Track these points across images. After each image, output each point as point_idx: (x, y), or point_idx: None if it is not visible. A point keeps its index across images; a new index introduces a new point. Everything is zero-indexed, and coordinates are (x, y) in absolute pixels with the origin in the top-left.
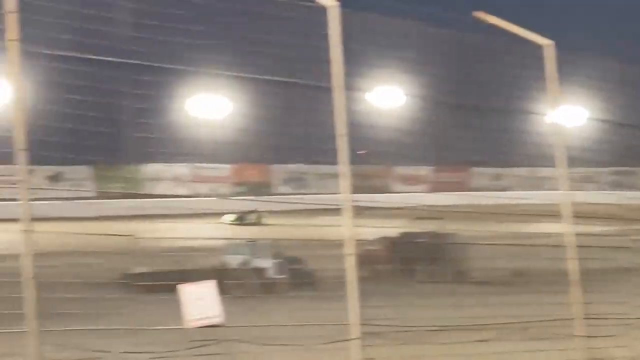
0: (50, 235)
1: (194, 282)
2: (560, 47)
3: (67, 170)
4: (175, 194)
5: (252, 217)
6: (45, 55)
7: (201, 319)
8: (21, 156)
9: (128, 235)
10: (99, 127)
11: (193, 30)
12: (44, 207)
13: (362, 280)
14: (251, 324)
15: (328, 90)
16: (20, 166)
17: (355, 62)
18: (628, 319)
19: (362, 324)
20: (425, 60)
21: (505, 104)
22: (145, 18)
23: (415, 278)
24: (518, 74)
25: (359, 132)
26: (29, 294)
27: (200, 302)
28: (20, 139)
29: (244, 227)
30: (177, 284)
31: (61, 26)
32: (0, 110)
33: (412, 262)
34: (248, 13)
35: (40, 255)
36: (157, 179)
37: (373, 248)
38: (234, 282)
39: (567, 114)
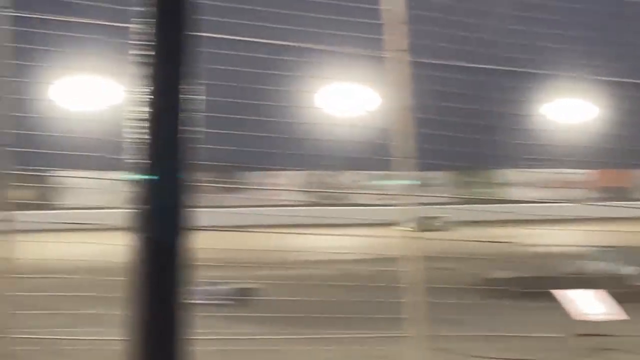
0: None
1: (576, 289)
2: None
3: (427, 176)
4: (535, 199)
5: (435, 224)
6: (417, 62)
7: (596, 314)
8: (409, 164)
9: (505, 242)
10: (463, 132)
11: (559, 34)
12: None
13: None
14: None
15: None
16: (408, 173)
17: None
18: None
19: None
20: None
21: None
22: (512, 23)
23: None
24: None
25: None
26: (415, 298)
27: (590, 301)
28: (406, 147)
29: (434, 234)
30: (542, 290)
31: (427, 33)
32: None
33: None
34: (616, 15)
35: (403, 260)
36: (517, 184)
37: None
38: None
39: None
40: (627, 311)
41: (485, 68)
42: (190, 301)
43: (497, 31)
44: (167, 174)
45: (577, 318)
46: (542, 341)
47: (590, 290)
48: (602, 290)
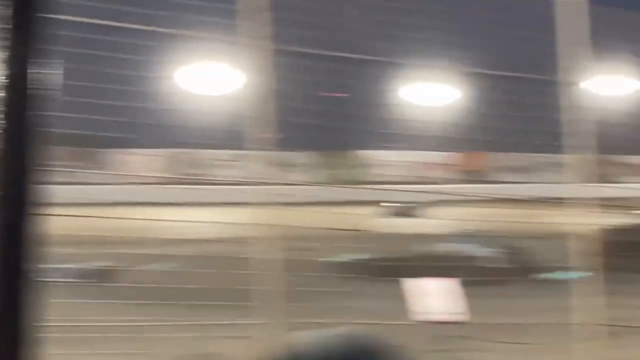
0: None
1: (433, 277)
2: None
3: (291, 156)
4: (397, 180)
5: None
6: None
7: (436, 313)
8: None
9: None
10: (325, 117)
11: (420, 23)
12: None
13: (589, 273)
14: (475, 315)
15: (555, 84)
16: (267, 152)
17: (582, 54)
18: None
19: (594, 323)
20: None
21: None
22: (376, 12)
23: None
24: None
25: (585, 123)
26: (270, 281)
27: (437, 296)
28: (265, 128)
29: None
30: (398, 272)
31: (291, 21)
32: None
33: None
34: (472, 5)
35: (263, 241)
36: (378, 165)
37: (600, 240)
38: (457, 271)
39: None
40: (480, 294)
41: (348, 57)
42: (41, 281)
43: (360, 20)
44: (15, 153)
45: (418, 319)
46: (393, 327)
47: (443, 282)
48: (455, 280)
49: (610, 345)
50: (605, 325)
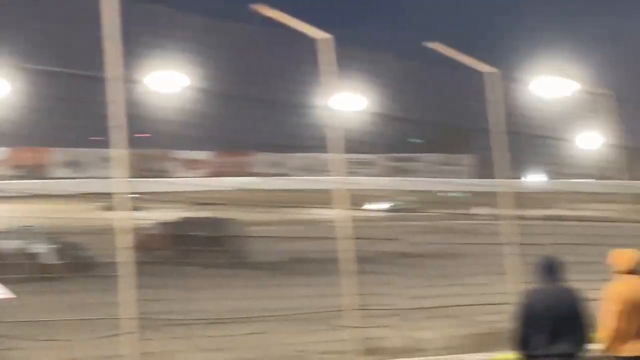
0: None
1: None
2: (338, 42)
3: None
4: None
5: None
6: None
7: None
8: None
9: None
10: None
11: None
12: None
13: (138, 268)
14: (23, 310)
15: (102, 79)
16: None
17: (132, 52)
18: (399, 309)
19: (134, 317)
20: (205, 51)
21: (285, 95)
22: None
23: (193, 266)
24: (299, 67)
25: (135, 117)
26: None
27: None
28: None
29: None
30: None
31: None
32: None
33: (190, 249)
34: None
35: None
36: None
37: (149, 234)
38: (6, 268)
39: (344, 103)
40: (37, 289)
41: None
42: None
43: None
44: None
45: None
46: None
47: None
48: None
49: (150, 338)
50: (139, 318)
